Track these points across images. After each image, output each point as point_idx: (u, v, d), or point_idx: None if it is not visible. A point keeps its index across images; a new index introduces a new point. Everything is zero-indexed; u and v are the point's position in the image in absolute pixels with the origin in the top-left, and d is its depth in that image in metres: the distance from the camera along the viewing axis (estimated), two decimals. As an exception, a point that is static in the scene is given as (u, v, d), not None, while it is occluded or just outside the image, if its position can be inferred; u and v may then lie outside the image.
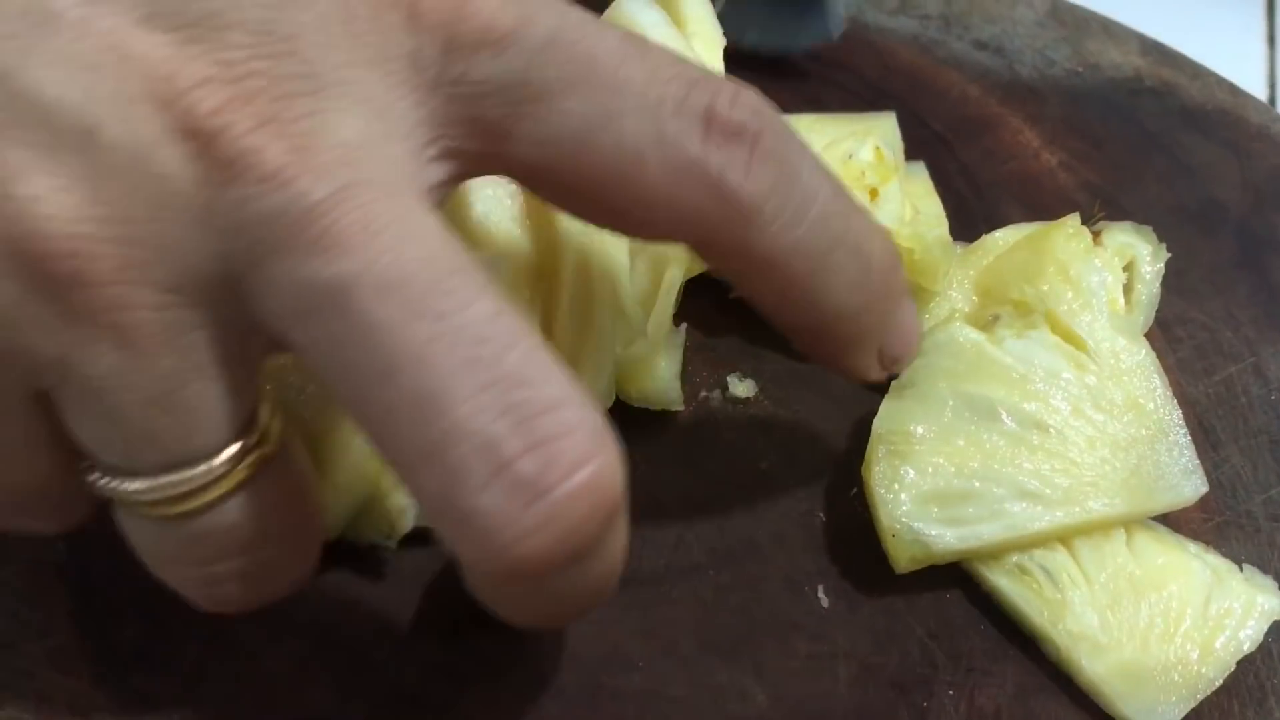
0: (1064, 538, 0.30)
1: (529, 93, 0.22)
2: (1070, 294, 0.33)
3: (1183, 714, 0.28)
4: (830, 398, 0.34)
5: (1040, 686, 0.29)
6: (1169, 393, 0.32)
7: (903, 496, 0.30)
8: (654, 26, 0.32)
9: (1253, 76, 0.54)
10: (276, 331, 0.21)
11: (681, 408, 0.34)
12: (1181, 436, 0.31)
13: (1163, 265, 0.35)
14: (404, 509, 0.29)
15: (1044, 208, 0.39)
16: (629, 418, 0.33)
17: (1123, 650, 0.29)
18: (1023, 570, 0.30)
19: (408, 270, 0.20)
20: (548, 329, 0.31)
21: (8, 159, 0.19)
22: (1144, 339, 0.33)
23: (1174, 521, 0.32)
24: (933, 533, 0.30)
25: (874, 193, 0.35)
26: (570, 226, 0.31)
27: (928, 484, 0.30)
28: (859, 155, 0.36)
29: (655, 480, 0.32)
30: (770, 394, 0.34)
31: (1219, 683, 0.29)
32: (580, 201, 0.24)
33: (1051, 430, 0.31)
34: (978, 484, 0.30)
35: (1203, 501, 0.31)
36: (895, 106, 0.41)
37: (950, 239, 0.35)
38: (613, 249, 0.31)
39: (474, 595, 0.22)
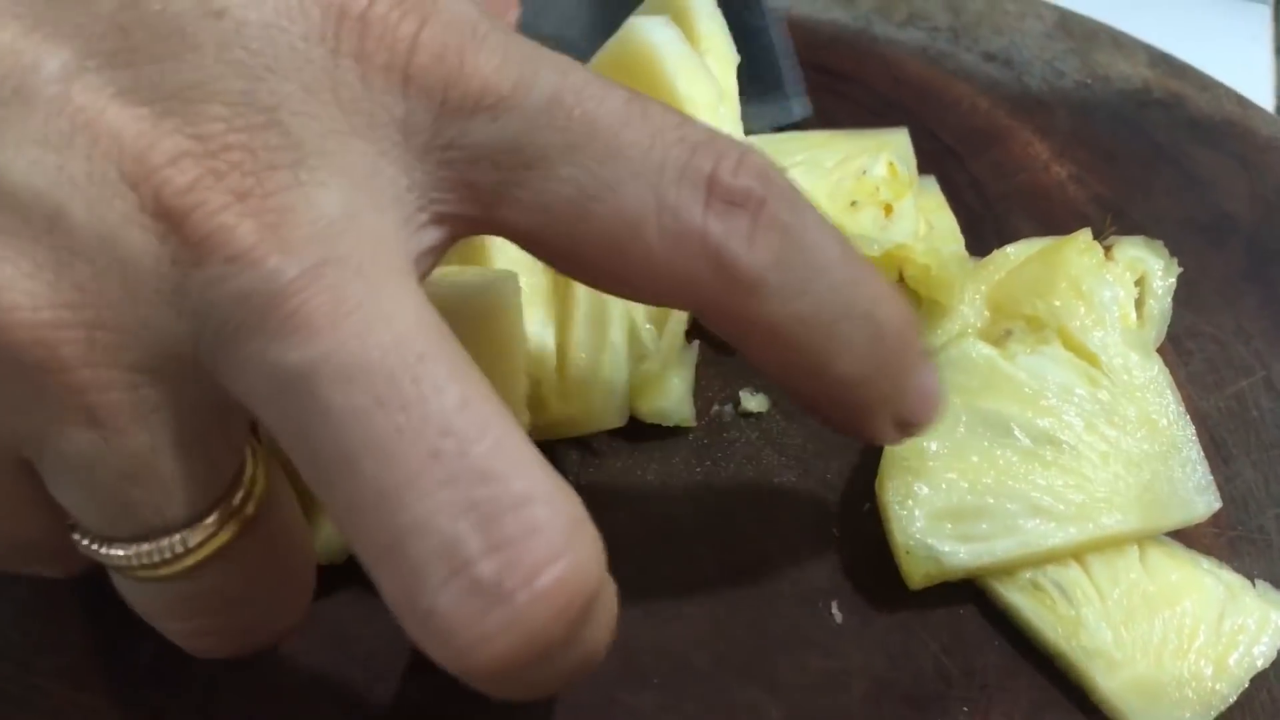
0: (1077, 554, 0.30)
1: (525, 158, 0.21)
2: (1083, 309, 0.33)
3: (1197, 730, 0.28)
4: (842, 412, 0.34)
5: (1054, 702, 0.29)
6: (1181, 408, 0.32)
7: (916, 513, 0.30)
8: (668, 44, 0.32)
9: (1260, 87, 0.54)
10: (249, 409, 0.21)
11: (694, 424, 0.34)
12: (1194, 452, 0.31)
13: (1174, 280, 0.35)
14: None
15: (1054, 221, 0.39)
16: (642, 434, 0.33)
17: (1136, 666, 0.29)
18: (1036, 586, 0.30)
19: (372, 357, 0.19)
20: (562, 347, 0.31)
21: None
22: (1156, 354, 0.33)
23: (1187, 537, 0.32)
24: (946, 549, 0.30)
25: (889, 208, 0.35)
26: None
27: (941, 500, 0.30)
28: (873, 171, 0.36)
29: (668, 496, 0.32)
30: (783, 408, 0.34)
31: (1233, 699, 0.29)
32: (578, 266, 0.23)
33: (1065, 446, 0.31)
34: (991, 500, 0.30)
35: (1215, 516, 0.31)
36: (905, 119, 0.41)
37: (966, 254, 0.35)
38: None
39: None
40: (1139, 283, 0.35)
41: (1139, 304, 0.35)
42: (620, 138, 0.22)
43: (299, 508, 0.25)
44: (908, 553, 0.30)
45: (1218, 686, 0.29)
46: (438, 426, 0.19)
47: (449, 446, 0.19)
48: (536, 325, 0.31)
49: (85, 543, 0.22)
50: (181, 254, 0.19)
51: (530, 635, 0.19)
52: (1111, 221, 0.39)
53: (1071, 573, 0.30)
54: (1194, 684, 0.28)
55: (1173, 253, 0.36)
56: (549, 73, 0.22)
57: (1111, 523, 0.30)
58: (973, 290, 0.35)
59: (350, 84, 0.21)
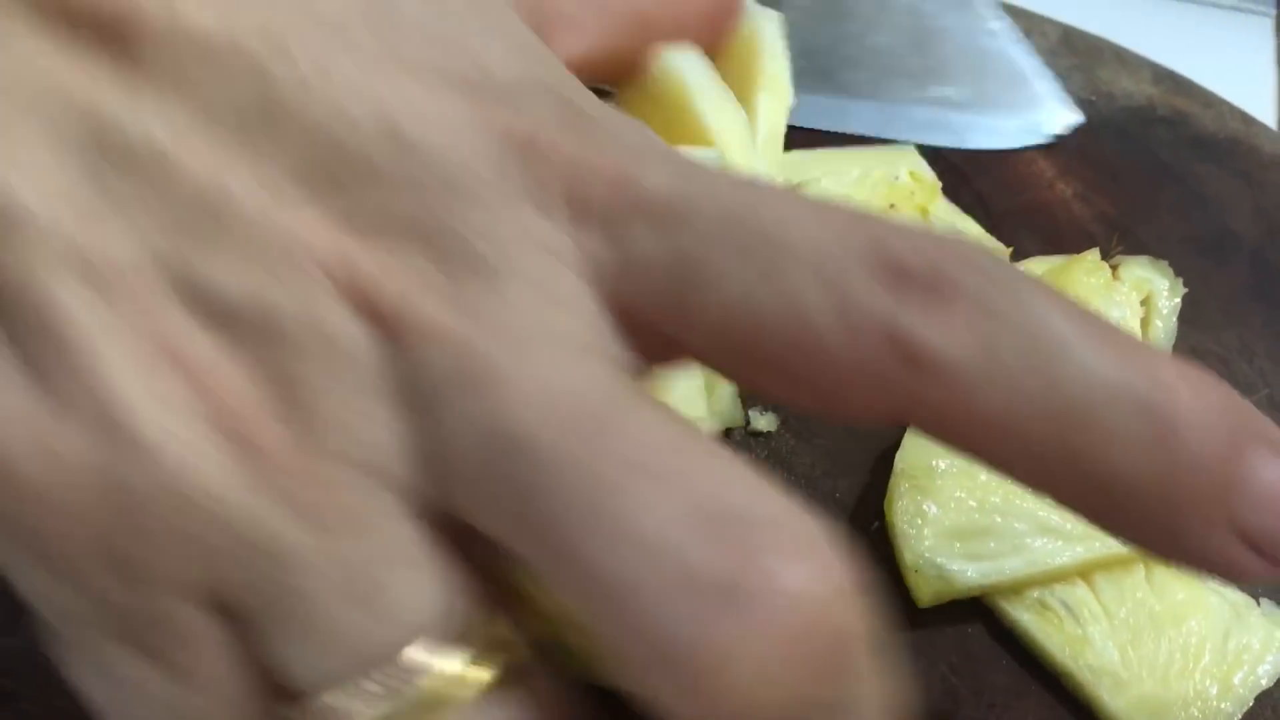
0: (1084, 573, 0.30)
1: (703, 272, 0.21)
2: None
3: (1202, 748, 0.29)
4: (852, 432, 0.34)
5: (1061, 720, 0.30)
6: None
7: (925, 532, 0.30)
8: (698, 78, 0.32)
9: (1262, 99, 0.55)
10: (468, 507, 0.20)
11: (744, 425, 0.34)
12: None
13: (1179, 300, 0.36)
14: None
15: (1059, 239, 0.40)
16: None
17: (1143, 685, 0.29)
18: (1044, 605, 0.30)
19: (589, 405, 0.19)
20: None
21: (199, 354, 0.20)
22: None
23: (1192, 555, 0.32)
24: (955, 568, 0.30)
25: (925, 210, 0.35)
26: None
27: (950, 519, 0.31)
28: (900, 178, 0.37)
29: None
30: (792, 427, 0.35)
31: (1238, 718, 0.29)
32: (759, 376, 0.22)
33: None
34: (999, 519, 0.31)
35: (1220, 535, 0.32)
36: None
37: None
38: None
39: None
40: (1144, 302, 0.35)
41: (1144, 323, 0.35)
42: (798, 240, 0.20)
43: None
44: (916, 571, 0.30)
45: (1223, 706, 0.29)
46: (666, 461, 0.19)
47: (674, 474, 0.19)
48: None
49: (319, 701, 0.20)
50: (395, 352, 0.20)
51: (779, 649, 0.18)
52: (1118, 241, 0.40)
53: (1079, 592, 0.30)
54: (1199, 703, 0.29)
55: (1177, 271, 0.36)
56: (720, 185, 0.21)
57: (1118, 541, 0.30)
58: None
59: (531, 212, 0.21)
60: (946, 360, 0.19)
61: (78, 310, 0.20)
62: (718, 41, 0.34)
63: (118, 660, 0.21)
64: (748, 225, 0.21)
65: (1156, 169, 0.43)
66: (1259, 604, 0.31)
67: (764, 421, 0.35)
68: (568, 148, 0.21)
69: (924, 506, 0.31)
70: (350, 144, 0.21)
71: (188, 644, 0.21)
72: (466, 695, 0.20)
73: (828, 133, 0.42)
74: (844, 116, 0.43)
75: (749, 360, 0.21)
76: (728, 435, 0.35)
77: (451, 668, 0.20)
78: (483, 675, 0.20)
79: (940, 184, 0.38)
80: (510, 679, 0.21)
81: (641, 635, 0.18)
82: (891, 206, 0.37)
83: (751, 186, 0.22)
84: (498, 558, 0.21)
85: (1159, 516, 0.20)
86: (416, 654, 0.20)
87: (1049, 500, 0.21)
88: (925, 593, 0.30)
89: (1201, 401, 0.20)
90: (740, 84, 0.34)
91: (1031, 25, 0.47)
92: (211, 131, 0.21)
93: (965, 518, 0.31)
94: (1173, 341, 0.36)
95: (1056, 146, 0.43)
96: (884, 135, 0.42)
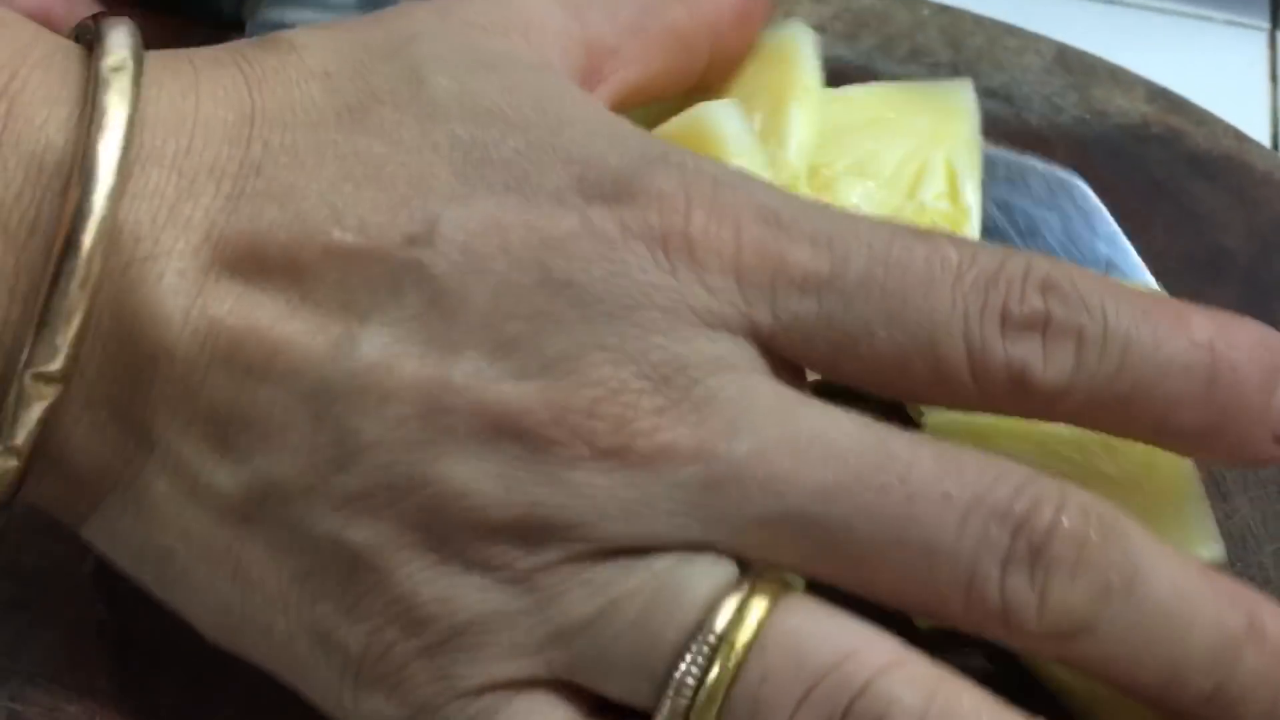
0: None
1: (848, 332, 0.24)
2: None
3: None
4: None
5: (1060, 743, 0.30)
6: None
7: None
8: (736, 138, 0.32)
9: (1256, 112, 0.55)
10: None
11: None
12: (1200, 504, 0.32)
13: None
14: None
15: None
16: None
17: (1139, 710, 0.29)
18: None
19: (850, 464, 0.23)
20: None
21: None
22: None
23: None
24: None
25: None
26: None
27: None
28: (933, 176, 0.36)
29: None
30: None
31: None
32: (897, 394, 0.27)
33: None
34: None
35: (1215, 554, 0.32)
36: (907, 157, 0.42)
37: None
38: None
39: None
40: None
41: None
42: (929, 298, 0.24)
43: None
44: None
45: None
46: (930, 484, 0.23)
47: (956, 490, 0.23)
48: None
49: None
50: (635, 476, 0.22)
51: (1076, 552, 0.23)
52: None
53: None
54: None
55: (1171, 290, 0.37)
56: (858, 245, 0.24)
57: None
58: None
59: (697, 294, 0.23)
60: (1044, 384, 0.24)
61: None
62: (749, 42, 0.34)
63: None
64: (889, 289, 0.24)
65: (1150, 187, 0.43)
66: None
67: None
68: (712, 229, 0.24)
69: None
70: (527, 302, 0.23)
71: None
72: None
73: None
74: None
75: (885, 390, 0.26)
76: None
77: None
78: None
79: (978, 171, 0.38)
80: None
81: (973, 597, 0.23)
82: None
83: (891, 245, 0.24)
84: None
85: (1211, 442, 0.25)
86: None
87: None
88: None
89: (1234, 348, 0.25)
90: (772, 95, 0.34)
91: (1026, 44, 0.48)
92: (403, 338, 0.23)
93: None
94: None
95: (1052, 164, 0.43)
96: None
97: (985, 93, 0.46)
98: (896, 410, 0.29)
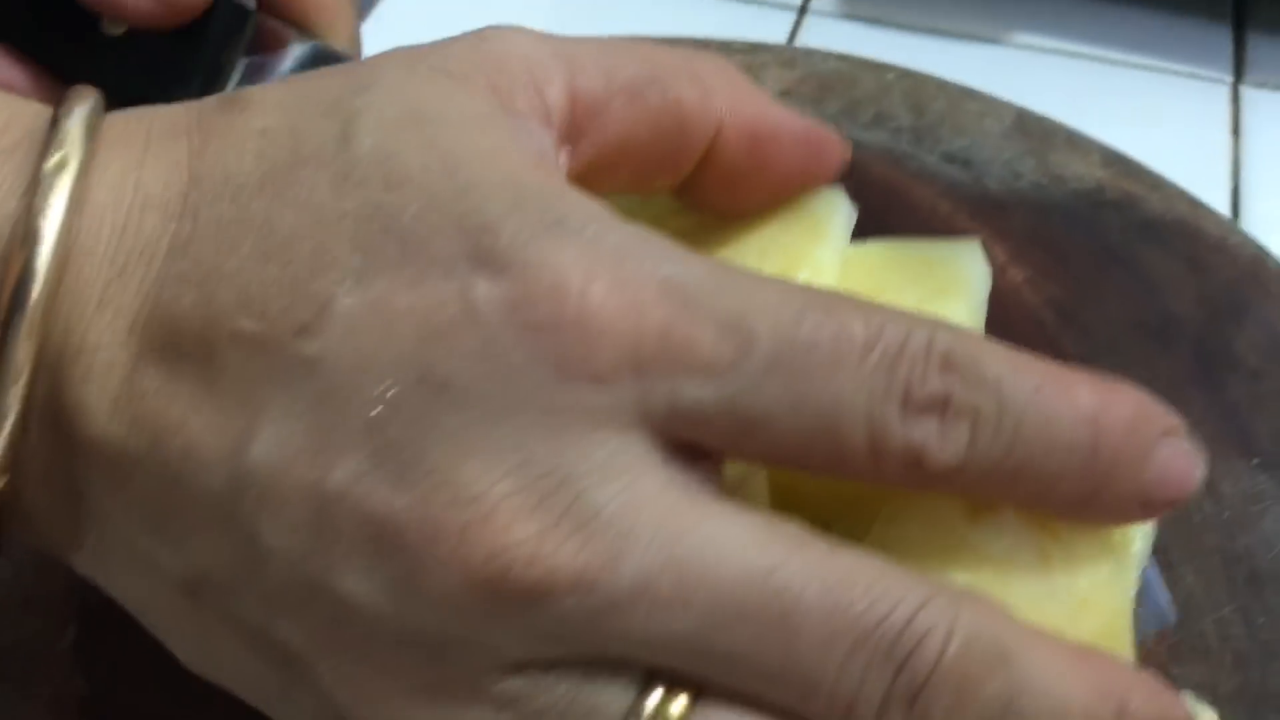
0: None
1: (750, 417, 0.23)
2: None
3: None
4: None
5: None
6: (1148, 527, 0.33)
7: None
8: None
9: (1217, 167, 0.56)
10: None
11: None
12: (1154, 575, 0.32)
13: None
14: None
15: (1011, 326, 0.41)
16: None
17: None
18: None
19: (731, 597, 0.22)
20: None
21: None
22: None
23: (1129, 645, 0.33)
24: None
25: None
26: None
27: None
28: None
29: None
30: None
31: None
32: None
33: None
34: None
35: (1158, 623, 0.33)
36: (871, 225, 0.42)
37: None
38: None
39: None
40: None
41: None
42: (833, 381, 0.23)
43: None
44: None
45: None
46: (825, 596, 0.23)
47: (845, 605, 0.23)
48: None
49: None
50: (514, 608, 0.22)
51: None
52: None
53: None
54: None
55: (1123, 356, 0.38)
56: (766, 325, 0.23)
57: None
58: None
59: (583, 392, 0.23)
60: (940, 464, 0.24)
61: None
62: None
63: None
64: (795, 370, 0.23)
65: (1105, 253, 0.44)
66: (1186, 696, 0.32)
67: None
68: (595, 327, 0.23)
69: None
70: (400, 407, 0.22)
71: None
72: None
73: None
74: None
75: (780, 465, 0.25)
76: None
77: None
78: None
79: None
80: None
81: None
82: None
83: (800, 323, 0.24)
84: None
85: (1084, 509, 0.26)
86: None
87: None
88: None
89: (1117, 416, 0.25)
90: (786, 256, 0.32)
91: (987, 108, 0.49)
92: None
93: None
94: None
95: (1010, 230, 0.45)
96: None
97: (946, 158, 0.47)
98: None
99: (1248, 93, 0.58)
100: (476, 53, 0.26)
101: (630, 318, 0.23)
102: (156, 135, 0.26)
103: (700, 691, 0.23)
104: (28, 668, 0.32)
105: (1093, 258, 0.44)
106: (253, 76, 0.35)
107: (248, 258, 0.23)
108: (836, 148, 0.32)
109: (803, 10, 0.61)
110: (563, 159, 0.27)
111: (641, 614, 0.22)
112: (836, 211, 0.33)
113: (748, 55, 0.51)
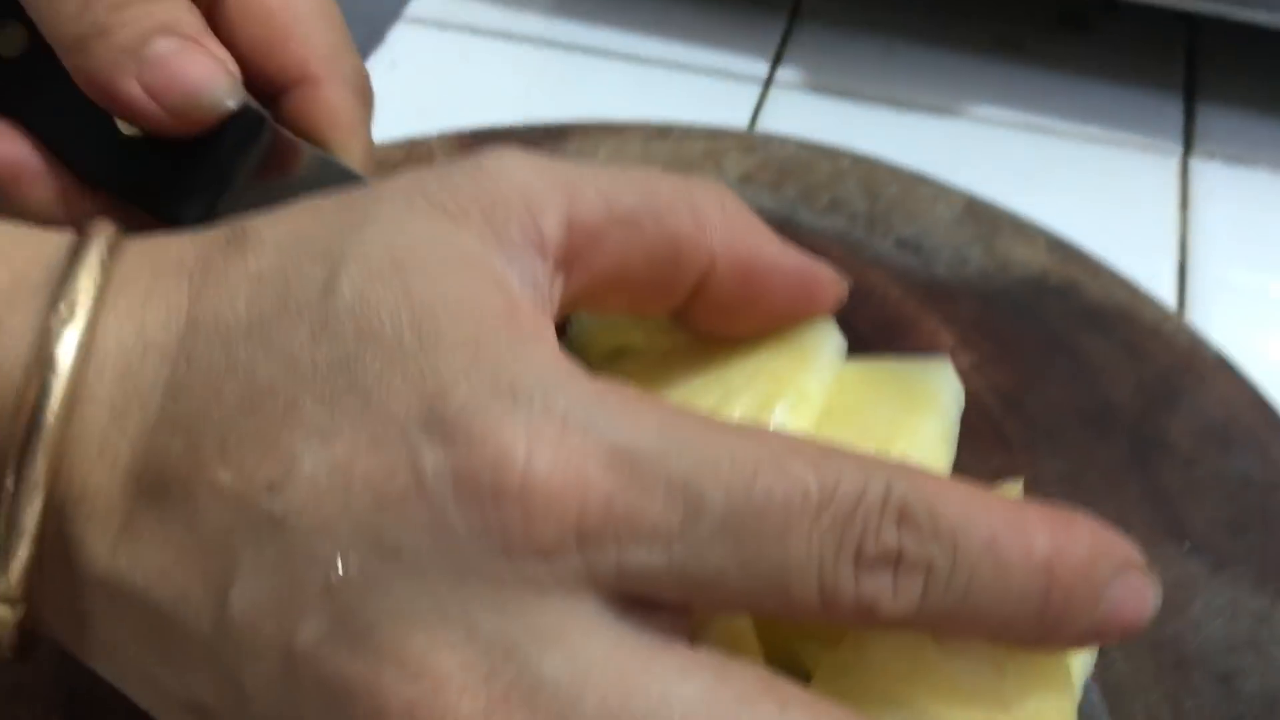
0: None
1: (700, 578, 0.24)
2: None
3: None
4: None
5: None
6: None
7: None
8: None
9: (1164, 241, 0.58)
10: None
11: None
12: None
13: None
14: None
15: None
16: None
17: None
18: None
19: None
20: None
21: None
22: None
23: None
24: None
25: None
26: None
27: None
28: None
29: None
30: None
31: None
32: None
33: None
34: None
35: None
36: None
37: None
38: None
39: None
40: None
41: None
42: (784, 543, 0.24)
43: None
44: None
45: None
46: None
47: None
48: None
49: None
50: None
51: None
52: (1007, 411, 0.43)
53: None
54: None
55: (1062, 442, 0.40)
56: (715, 489, 0.24)
57: None
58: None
59: (527, 563, 0.23)
60: (896, 614, 0.25)
61: None
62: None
63: None
64: (744, 539, 0.24)
65: (1048, 339, 0.46)
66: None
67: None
68: (550, 481, 0.23)
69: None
70: (356, 574, 0.23)
71: None
72: None
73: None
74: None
75: (733, 613, 0.26)
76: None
77: None
78: None
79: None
80: None
81: None
82: None
83: (750, 494, 0.24)
84: None
85: (1037, 644, 0.26)
86: None
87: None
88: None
89: (1069, 564, 0.25)
90: (770, 382, 0.33)
91: (938, 194, 0.51)
92: None
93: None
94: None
95: (957, 316, 0.47)
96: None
97: (898, 243, 0.49)
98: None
99: (1196, 165, 0.60)
100: (474, 184, 0.27)
101: (574, 490, 0.23)
102: (160, 273, 0.27)
103: None
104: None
105: (1036, 344, 0.46)
106: (264, 185, 0.36)
107: (231, 408, 0.25)
108: (831, 286, 0.33)
109: (768, 84, 0.63)
110: (557, 285, 0.28)
111: None
112: (826, 342, 0.33)
113: (709, 141, 0.53)
